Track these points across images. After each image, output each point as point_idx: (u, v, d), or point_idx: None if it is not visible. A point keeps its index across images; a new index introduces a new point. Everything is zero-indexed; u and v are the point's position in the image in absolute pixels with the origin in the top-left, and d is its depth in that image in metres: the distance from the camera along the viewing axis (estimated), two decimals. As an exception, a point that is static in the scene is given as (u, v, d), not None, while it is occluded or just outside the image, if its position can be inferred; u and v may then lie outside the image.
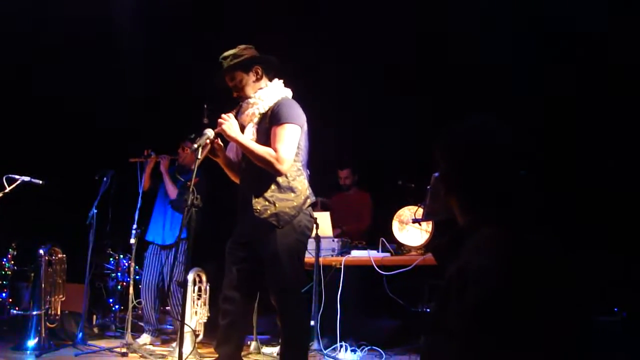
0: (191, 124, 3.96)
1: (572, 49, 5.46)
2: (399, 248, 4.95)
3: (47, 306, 4.97)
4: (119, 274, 6.61)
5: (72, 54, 6.71)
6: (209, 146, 3.16)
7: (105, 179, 5.31)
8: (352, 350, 4.76)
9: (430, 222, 4.78)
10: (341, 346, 4.78)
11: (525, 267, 1.30)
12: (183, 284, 3.55)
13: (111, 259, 6.71)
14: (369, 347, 4.84)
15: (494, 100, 5.49)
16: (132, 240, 4.99)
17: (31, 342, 4.76)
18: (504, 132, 1.51)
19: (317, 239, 4.79)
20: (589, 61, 5.32)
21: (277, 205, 3.09)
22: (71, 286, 5.41)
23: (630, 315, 4.34)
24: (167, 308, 5.81)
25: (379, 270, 4.70)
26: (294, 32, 6.19)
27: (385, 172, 6.19)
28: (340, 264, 4.89)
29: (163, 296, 5.50)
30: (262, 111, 3.22)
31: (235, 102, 3.32)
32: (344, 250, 5.08)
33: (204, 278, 4.86)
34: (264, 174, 3.12)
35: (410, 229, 4.94)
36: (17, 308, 5.91)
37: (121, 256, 6.64)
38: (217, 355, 3.20)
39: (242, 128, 3.21)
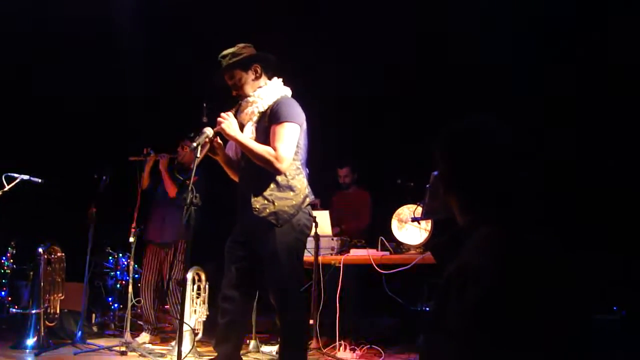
0: (190, 122, 3.96)
1: (572, 49, 5.46)
2: (398, 247, 4.95)
3: (46, 305, 4.98)
4: (118, 272, 6.61)
5: (72, 54, 6.71)
6: (208, 145, 3.16)
7: (104, 177, 5.31)
8: (351, 349, 4.76)
9: (430, 221, 4.78)
10: (340, 345, 4.78)
11: (524, 266, 1.30)
12: (182, 283, 3.55)
13: (110, 257, 6.72)
14: (368, 346, 4.84)
15: (494, 99, 5.49)
16: (131, 239, 4.99)
17: (30, 341, 4.76)
18: (503, 131, 1.51)
19: (316, 237, 4.79)
20: (588, 61, 5.32)
21: (276, 204, 3.09)
22: (70, 285, 5.41)
23: (630, 313, 4.34)
24: (166, 307, 5.81)
25: (378, 269, 4.70)
26: (293, 30, 6.20)
27: (385, 171, 6.19)
28: (340, 263, 4.89)
29: (162, 295, 5.50)
30: (262, 110, 3.22)
31: (234, 100, 3.32)
32: (343, 249, 5.08)
33: (203, 277, 4.86)
34: (263, 173, 3.11)
35: (410, 227, 4.94)
36: (16, 307, 5.91)
37: (120, 255, 6.64)
38: (216, 354, 3.20)
39: (242, 127, 3.21)
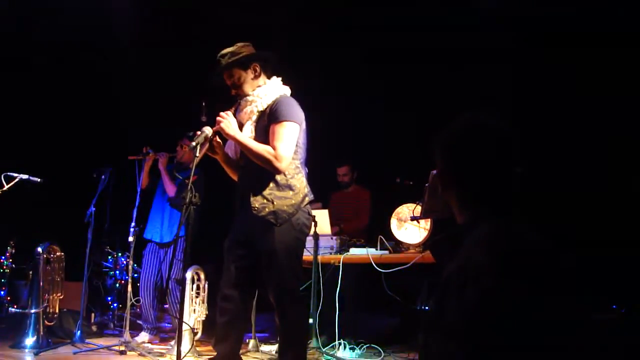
0: (189, 121, 3.96)
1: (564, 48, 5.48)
2: (398, 246, 4.95)
3: (45, 304, 4.98)
4: (117, 272, 6.61)
5: (71, 51, 6.70)
6: (207, 144, 3.16)
7: (103, 176, 5.31)
8: (350, 348, 4.76)
9: (429, 220, 4.78)
10: (340, 344, 4.78)
11: (524, 265, 1.30)
12: (181, 282, 3.55)
13: (109, 257, 6.71)
14: (367, 345, 4.84)
15: (495, 97, 5.50)
16: (131, 238, 4.98)
17: (29, 340, 4.76)
18: (501, 127, 1.51)
19: (316, 236, 4.78)
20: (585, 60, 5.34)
21: (275, 203, 3.08)
22: (69, 284, 5.41)
23: (629, 311, 4.34)
24: (165, 306, 5.82)
25: (378, 268, 4.69)
26: (294, 29, 6.19)
27: (384, 170, 6.19)
28: (339, 262, 4.88)
29: (161, 294, 5.49)
30: (261, 109, 3.21)
31: (233, 100, 3.31)
32: (343, 248, 5.08)
33: (202, 276, 4.86)
34: (262, 172, 3.11)
35: (409, 226, 4.93)
36: (15, 306, 5.90)
37: (119, 254, 6.64)
38: (215, 353, 3.20)
39: (241, 126, 3.21)
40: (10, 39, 6.34)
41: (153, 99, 6.90)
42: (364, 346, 4.82)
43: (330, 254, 5.02)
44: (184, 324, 3.33)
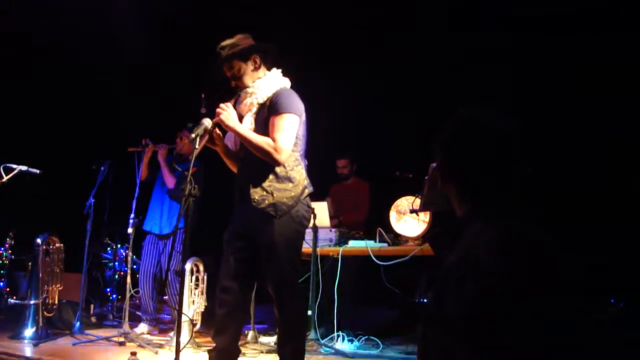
0: (189, 113, 3.95)
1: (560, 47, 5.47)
2: (397, 238, 4.95)
3: (44, 295, 4.99)
4: (116, 263, 6.63)
5: (72, 46, 6.69)
6: (207, 136, 3.15)
7: (102, 168, 5.31)
8: (349, 340, 4.78)
9: (428, 213, 4.78)
10: (338, 336, 4.80)
11: (523, 258, 1.30)
12: (181, 274, 3.55)
13: (109, 248, 6.73)
14: (366, 337, 4.86)
15: (495, 95, 5.49)
16: (130, 230, 4.99)
17: (29, 331, 4.78)
18: (502, 120, 1.50)
19: (315, 229, 4.79)
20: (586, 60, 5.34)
21: (275, 195, 3.08)
22: (69, 275, 5.42)
23: (627, 306, 4.36)
24: (164, 297, 5.82)
25: (377, 261, 4.70)
26: (294, 22, 6.17)
27: (383, 162, 6.19)
28: (338, 254, 4.89)
29: (161, 286, 5.50)
30: (261, 101, 3.21)
31: (233, 91, 3.30)
32: (342, 241, 5.08)
33: (201, 267, 4.87)
34: (262, 164, 3.11)
35: (408, 219, 4.94)
36: (14, 297, 5.91)
37: (119, 246, 6.65)
38: (214, 345, 3.20)
39: (240, 118, 3.20)
40: (10, 35, 6.32)
41: (152, 91, 6.89)
42: (363, 338, 4.84)
43: (329, 246, 5.03)
44: (183, 315, 3.34)
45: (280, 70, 3.33)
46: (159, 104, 6.87)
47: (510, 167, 1.48)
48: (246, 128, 3.14)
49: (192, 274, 4.79)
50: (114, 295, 6.50)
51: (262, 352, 4.55)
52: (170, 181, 5.36)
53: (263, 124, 3.14)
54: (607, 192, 5.14)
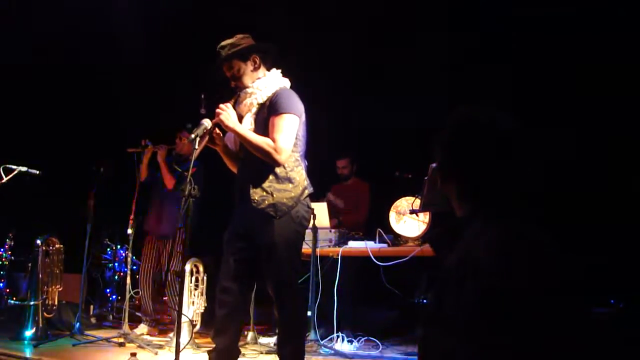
0: (188, 113, 3.95)
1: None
2: (396, 239, 4.95)
3: (44, 296, 4.98)
4: (116, 264, 6.62)
5: (72, 46, 6.68)
6: (207, 136, 3.15)
7: (102, 169, 5.31)
8: (348, 341, 4.78)
9: (427, 213, 4.79)
10: (338, 336, 4.80)
11: (523, 259, 1.30)
12: (180, 274, 3.55)
13: (108, 249, 6.72)
14: (365, 338, 4.86)
15: (495, 95, 5.49)
16: (129, 231, 4.99)
17: (28, 332, 4.77)
18: (502, 119, 1.50)
19: (315, 229, 4.79)
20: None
21: (274, 195, 3.08)
22: (68, 276, 5.42)
23: (627, 306, 4.36)
24: (164, 298, 5.82)
25: (376, 261, 4.70)
26: (294, 22, 6.17)
27: (383, 163, 6.19)
28: (337, 255, 4.89)
29: (160, 286, 5.50)
30: (261, 101, 3.21)
31: (232, 92, 3.30)
32: (341, 241, 5.08)
33: (201, 268, 4.87)
34: (262, 165, 3.11)
35: (408, 220, 4.94)
36: (14, 298, 5.91)
37: (118, 246, 6.64)
38: (214, 345, 3.20)
39: (240, 118, 3.20)
40: (10, 35, 6.32)
41: (152, 91, 6.89)
42: (362, 339, 4.84)
43: (329, 246, 5.03)
44: (182, 316, 3.34)
45: (279, 71, 3.33)
46: (158, 104, 6.87)
47: (510, 167, 1.47)
48: (246, 128, 3.14)
49: (191, 274, 4.79)
50: (114, 296, 6.50)
51: (261, 353, 4.55)
52: (169, 182, 5.35)
53: (263, 125, 3.14)
54: (607, 192, 5.13)
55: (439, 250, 1.55)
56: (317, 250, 4.85)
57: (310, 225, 4.52)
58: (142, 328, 5.30)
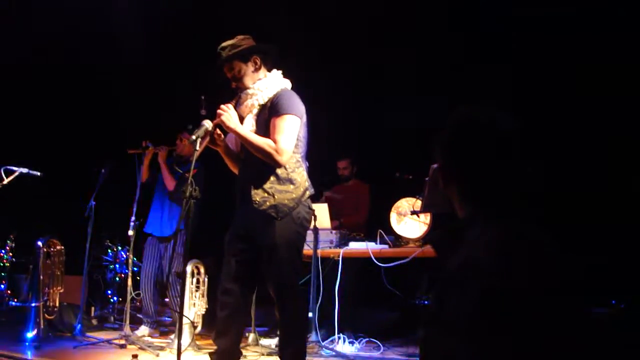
0: (189, 115, 3.95)
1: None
2: (397, 240, 4.95)
3: (45, 298, 4.98)
4: (117, 265, 6.62)
5: (72, 46, 6.69)
6: (207, 137, 3.15)
7: (103, 170, 5.31)
8: (350, 342, 4.77)
9: (428, 214, 4.79)
10: (339, 338, 4.79)
11: (523, 259, 1.30)
12: (181, 276, 3.55)
13: (109, 250, 6.72)
14: (367, 339, 4.85)
15: (495, 95, 5.49)
16: (131, 232, 4.98)
17: (30, 334, 4.77)
18: (503, 119, 1.50)
19: (315, 230, 4.78)
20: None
21: (276, 197, 3.08)
22: (70, 278, 5.42)
23: (628, 307, 4.35)
24: (165, 300, 5.83)
25: (377, 262, 4.70)
26: (294, 22, 6.17)
27: (384, 164, 6.19)
28: (338, 256, 4.89)
29: (162, 288, 5.50)
30: (262, 102, 3.21)
31: (233, 93, 3.31)
32: (342, 242, 5.08)
33: (202, 270, 4.87)
34: (263, 166, 3.11)
35: (409, 221, 4.94)
36: (15, 300, 5.92)
37: (119, 248, 6.64)
38: (215, 347, 3.20)
39: (241, 119, 3.20)
40: (10, 35, 6.33)
41: (152, 92, 6.89)
42: (363, 340, 4.84)
43: (330, 248, 5.03)
44: (184, 317, 3.34)
45: (280, 72, 3.33)
46: (158, 104, 6.87)
47: (510, 167, 1.47)
48: (247, 129, 3.15)
49: (192, 276, 4.79)
50: (115, 298, 6.50)
51: (263, 355, 4.55)
52: (170, 183, 5.35)
53: (264, 126, 3.14)
54: (607, 192, 5.13)
55: (440, 251, 1.55)
56: (318, 251, 4.85)
57: (311, 226, 4.52)
58: (144, 330, 5.30)
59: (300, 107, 3.18)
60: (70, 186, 6.31)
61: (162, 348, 4.62)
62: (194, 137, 3.04)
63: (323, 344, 4.67)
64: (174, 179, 5.34)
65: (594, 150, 5.29)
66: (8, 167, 4.80)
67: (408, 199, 4.94)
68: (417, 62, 6.16)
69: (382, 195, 5.68)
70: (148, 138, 5.45)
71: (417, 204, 4.78)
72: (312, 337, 4.67)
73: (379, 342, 4.80)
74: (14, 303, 5.75)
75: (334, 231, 5.13)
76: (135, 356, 3.90)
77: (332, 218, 5.29)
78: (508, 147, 1.47)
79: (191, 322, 4.65)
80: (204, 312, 4.83)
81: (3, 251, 6.29)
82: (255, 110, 3.22)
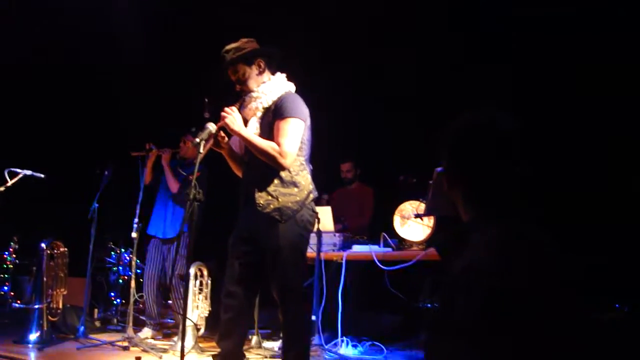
0: (192, 117, 3.95)
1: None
2: (401, 243, 4.95)
3: (48, 300, 4.99)
4: (120, 267, 6.62)
5: (72, 45, 6.69)
6: (211, 140, 3.16)
7: (106, 172, 5.31)
8: (353, 345, 4.76)
9: (432, 218, 4.78)
10: (342, 341, 4.78)
11: (523, 259, 1.29)
12: (185, 278, 3.54)
13: (113, 252, 6.72)
14: (370, 342, 4.84)
15: (495, 95, 5.49)
16: (134, 234, 4.98)
17: (33, 336, 4.77)
18: (503, 125, 1.50)
19: (319, 233, 4.78)
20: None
21: (280, 199, 3.08)
22: (73, 280, 5.42)
23: (633, 311, 4.33)
24: (168, 302, 5.82)
25: (381, 266, 4.69)
26: (296, 27, 6.18)
27: (387, 167, 6.18)
28: (342, 259, 4.88)
29: (165, 290, 5.50)
30: (266, 105, 3.21)
31: (236, 96, 3.31)
32: (346, 245, 5.08)
33: (205, 272, 4.87)
34: (267, 169, 3.11)
35: (412, 224, 4.94)
36: (18, 301, 5.92)
37: (122, 250, 6.64)
38: (219, 350, 3.20)
39: (245, 122, 3.20)
40: (10, 35, 6.34)
41: (156, 95, 6.90)
42: (367, 343, 4.83)
43: (333, 250, 5.02)
44: (187, 320, 3.33)
45: (284, 75, 3.33)
46: (159, 104, 6.87)
47: (511, 167, 1.47)
48: (251, 132, 3.15)
49: (195, 278, 4.79)
50: (118, 300, 6.49)
51: (266, 357, 4.54)
52: (173, 186, 5.35)
53: (268, 129, 3.15)
54: (607, 192, 5.12)
55: (445, 255, 1.55)
56: (322, 254, 4.85)
57: (315, 229, 4.52)
58: (147, 332, 5.30)
59: (304, 110, 3.18)
60: (74, 188, 6.31)
61: (165, 350, 4.62)
62: (197, 139, 3.04)
63: (326, 347, 4.66)
64: (178, 182, 5.35)
65: (594, 150, 5.27)
66: (12, 169, 4.80)
67: (412, 202, 4.94)
68: (417, 62, 6.16)
69: (385, 198, 5.68)
70: (150, 139, 5.46)
71: (421, 207, 4.77)
72: (316, 340, 4.66)
73: (382, 346, 4.79)
74: (17, 305, 5.75)
75: (337, 234, 5.13)
76: (138, 358, 3.90)
77: (335, 221, 5.29)
78: (508, 147, 1.47)
79: (194, 324, 4.65)
80: (207, 315, 4.83)
81: (6, 253, 6.29)
82: (259, 113, 3.22)
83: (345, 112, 6.54)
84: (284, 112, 3.10)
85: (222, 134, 3.21)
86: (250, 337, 4.88)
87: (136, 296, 5.12)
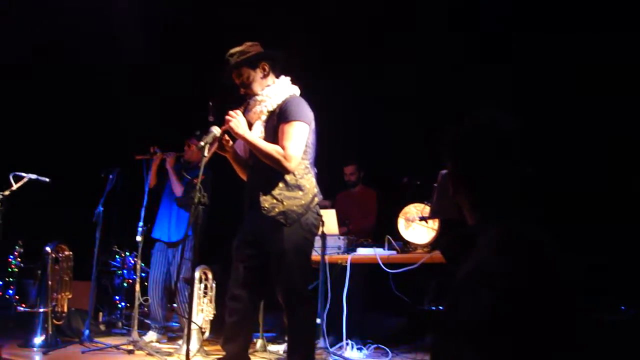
0: (197, 121, 3.95)
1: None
2: (405, 246, 4.94)
3: (53, 303, 4.99)
4: (125, 271, 6.63)
5: (72, 47, 6.71)
6: (216, 144, 3.16)
7: (111, 176, 5.32)
8: (358, 348, 4.76)
9: (437, 220, 4.77)
10: (347, 344, 4.78)
11: (523, 259, 1.29)
12: (190, 281, 3.55)
13: (117, 256, 6.73)
14: (375, 345, 4.83)
15: (495, 95, 5.48)
16: (139, 238, 4.99)
17: (38, 339, 4.78)
18: (499, 119, 1.50)
19: (323, 236, 4.78)
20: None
21: (285, 203, 3.08)
22: (78, 283, 5.43)
23: (638, 313, 4.31)
24: (173, 305, 5.83)
25: (385, 268, 4.69)
26: (298, 29, 6.18)
27: (391, 170, 6.18)
28: (346, 262, 4.88)
29: (170, 294, 5.51)
30: (270, 109, 3.21)
31: (241, 99, 3.31)
32: (350, 248, 5.07)
33: (210, 275, 4.87)
34: (271, 172, 3.11)
35: (417, 226, 4.92)
36: (23, 305, 5.92)
37: (127, 253, 6.65)
38: (224, 353, 3.20)
39: (250, 125, 3.21)
40: (10, 35, 6.35)
41: (160, 99, 6.91)
42: (372, 346, 4.82)
43: (338, 253, 5.02)
44: (192, 323, 3.34)
45: (289, 78, 3.33)
46: (159, 105, 6.87)
47: (511, 167, 1.47)
48: (256, 136, 3.15)
49: (200, 282, 4.79)
50: (123, 303, 6.50)
51: (270, 360, 4.55)
52: (178, 189, 5.36)
53: (272, 132, 3.15)
54: (607, 192, 5.11)
55: (450, 258, 1.55)
56: (326, 257, 4.84)
57: (319, 232, 4.52)
58: (151, 335, 5.30)
59: (309, 114, 3.19)
60: (79, 192, 6.33)
61: (170, 354, 4.63)
62: (202, 143, 3.05)
63: (331, 350, 4.66)
64: (182, 185, 5.35)
65: (594, 150, 5.26)
66: (17, 173, 4.81)
67: (416, 204, 4.93)
68: (417, 62, 6.15)
69: (390, 201, 5.67)
70: (153, 140, 5.46)
71: (426, 209, 4.76)
72: (321, 343, 4.65)
73: (387, 348, 4.78)
74: (22, 308, 5.74)
75: (341, 237, 5.12)
76: (143, 362, 3.91)
77: (340, 224, 5.29)
78: (508, 147, 1.47)
79: (199, 327, 4.65)
80: (211, 318, 4.83)
81: (11, 257, 6.31)
82: (264, 117, 3.22)
83: (346, 112, 6.53)
84: (288, 116, 3.10)
85: (227, 137, 3.21)
86: (255, 340, 4.88)
87: (141, 299, 5.13)
